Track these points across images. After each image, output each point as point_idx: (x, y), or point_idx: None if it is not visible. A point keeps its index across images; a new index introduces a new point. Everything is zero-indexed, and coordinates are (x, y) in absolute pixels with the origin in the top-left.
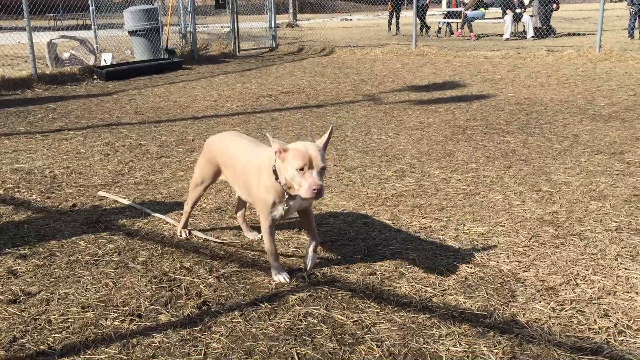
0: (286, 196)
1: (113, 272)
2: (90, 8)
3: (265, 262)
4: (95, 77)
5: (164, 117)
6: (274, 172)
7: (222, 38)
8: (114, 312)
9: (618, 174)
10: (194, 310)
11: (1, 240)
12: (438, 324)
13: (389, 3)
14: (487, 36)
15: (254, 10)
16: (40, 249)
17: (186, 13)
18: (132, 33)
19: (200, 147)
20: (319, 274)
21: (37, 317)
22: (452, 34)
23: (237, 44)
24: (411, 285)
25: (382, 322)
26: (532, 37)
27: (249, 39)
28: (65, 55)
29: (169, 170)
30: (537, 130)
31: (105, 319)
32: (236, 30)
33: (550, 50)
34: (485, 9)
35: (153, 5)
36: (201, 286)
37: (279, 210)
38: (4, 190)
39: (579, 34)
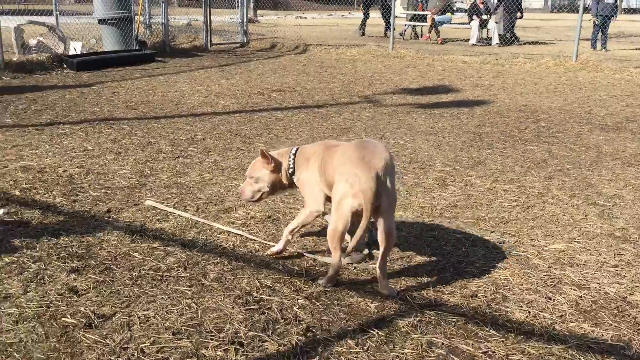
0: None
1: (189, 290)
2: None
3: (350, 281)
4: (65, 66)
5: (160, 112)
6: None
7: (183, 30)
8: (210, 339)
9: None
10: (300, 337)
11: (42, 251)
12: (579, 356)
13: (361, 5)
14: (453, 41)
15: (221, 4)
16: (92, 262)
17: (151, 4)
18: (102, 21)
19: (215, 147)
20: (416, 295)
21: (125, 345)
22: (417, 37)
23: (209, 38)
24: (523, 310)
25: (516, 354)
26: (497, 43)
27: (215, 33)
28: (33, 42)
29: (195, 173)
30: (554, 139)
31: (206, 348)
32: (208, 23)
33: (529, 57)
34: (452, 14)
35: None
36: (294, 308)
37: None
38: (19, 191)
39: (539, 42)
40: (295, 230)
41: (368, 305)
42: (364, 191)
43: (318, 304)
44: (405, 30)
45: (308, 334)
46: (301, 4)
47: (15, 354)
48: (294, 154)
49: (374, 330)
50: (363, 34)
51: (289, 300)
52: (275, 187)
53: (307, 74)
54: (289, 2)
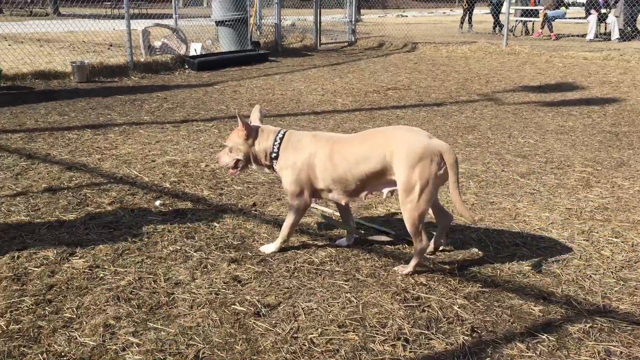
0: None
1: (346, 285)
2: None
3: (507, 282)
4: (186, 66)
5: (283, 110)
6: None
7: (288, 30)
8: (376, 334)
9: None
10: (466, 337)
11: (201, 241)
12: None
13: (464, 0)
14: (567, 36)
15: (327, 3)
16: (248, 253)
17: (262, 5)
18: (219, 23)
19: None
20: (582, 300)
21: (295, 335)
22: (528, 33)
23: (318, 37)
24: None
25: None
26: (617, 38)
27: (321, 32)
28: (157, 43)
29: None
30: None
31: (373, 342)
32: (318, 23)
33: None
34: (566, 8)
35: None
36: (455, 307)
37: None
38: (170, 184)
39: None
40: (291, 231)
41: (532, 309)
42: (452, 165)
43: (478, 304)
44: (515, 26)
45: (474, 335)
46: (400, 2)
47: (196, 337)
48: (281, 139)
49: (542, 335)
50: (463, 31)
51: (447, 299)
52: (250, 160)
53: (420, 72)
54: (387, 1)
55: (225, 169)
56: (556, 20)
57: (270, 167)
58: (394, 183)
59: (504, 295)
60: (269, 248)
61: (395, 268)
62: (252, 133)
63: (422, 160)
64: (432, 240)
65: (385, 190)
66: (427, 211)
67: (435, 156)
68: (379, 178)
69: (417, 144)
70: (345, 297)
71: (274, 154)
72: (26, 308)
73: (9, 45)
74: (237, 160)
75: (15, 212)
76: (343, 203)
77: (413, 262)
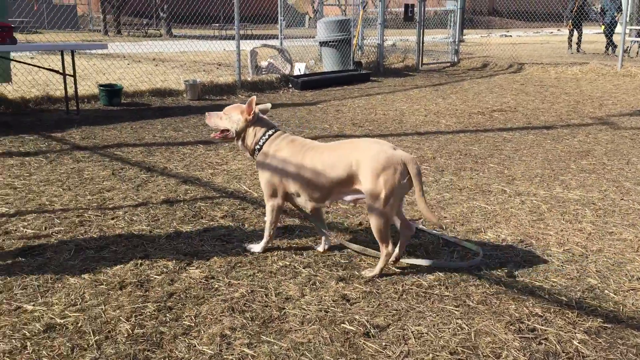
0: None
1: (456, 310)
2: (279, 18)
3: (631, 319)
4: (290, 85)
5: (385, 130)
6: None
7: (389, 51)
8: None
9: None
10: None
11: (309, 258)
12: None
13: (569, 21)
14: None
15: (431, 24)
16: (355, 272)
17: (364, 26)
18: (323, 44)
19: (447, 166)
20: None
21: (405, 359)
22: None
23: (420, 57)
24: None
25: None
26: None
27: (423, 53)
28: (264, 63)
29: (433, 191)
30: None
31: None
32: (421, 44)
33: None
34: None
35: (346, 16)
36: (574, 342)
37: None
38: None
39: None
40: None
41: None
42: (416, 175)
43: (600, 340)
44: (630, 47)
45: None
46: (503, 22)
47: (307, 354)
48: (269, 135)
49: None
50: (577, 50)
51: (565, 332)
52: (238, 136)
53: (527, 94)
54: (490, 21)
55: (212, 129)
56: None
57: (252, 156)
58: (358, 192)
59: (628, 333)
60: (256, 247)
61: (362, 272)
62: (254, 118)
63: (386, 169)
64: (396, 249)
65: (349, 199)
66: (392, 217)
67: (399, 165)
68: (344, 186)
69: (380, 155)
70: (456, 323)
71: (258, 146)
72: (149, 314)
73: (128, 64)
74: (227, 130)
75: (137, 222)
76: (309, 208)
77: (379, 266)
